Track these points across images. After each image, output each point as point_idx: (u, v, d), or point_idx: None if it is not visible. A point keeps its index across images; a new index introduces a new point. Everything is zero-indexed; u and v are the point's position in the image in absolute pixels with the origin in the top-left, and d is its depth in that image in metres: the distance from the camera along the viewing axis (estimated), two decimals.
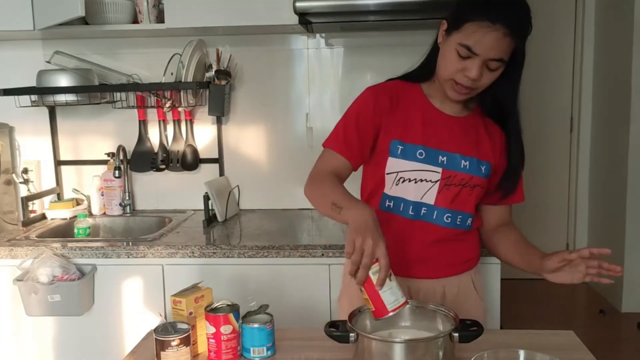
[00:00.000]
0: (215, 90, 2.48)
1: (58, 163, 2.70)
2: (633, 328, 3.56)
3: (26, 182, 2.57)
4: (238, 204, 2.65)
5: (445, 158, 1.45)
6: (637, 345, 3.39)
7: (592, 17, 4.11)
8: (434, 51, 1.46)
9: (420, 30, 2.33)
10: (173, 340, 1.24)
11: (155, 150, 2.64)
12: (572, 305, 4.06)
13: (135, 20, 2.41)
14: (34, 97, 2.40)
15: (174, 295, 1.37)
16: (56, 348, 2.17)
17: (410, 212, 1.47)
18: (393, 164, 1.46)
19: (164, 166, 2.63)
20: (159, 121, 2.62)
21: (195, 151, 2.64)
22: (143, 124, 2.63)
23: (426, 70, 1.50)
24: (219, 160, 2.66)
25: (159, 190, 2.69)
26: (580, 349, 1.35)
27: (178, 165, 2.61)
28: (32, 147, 2.68)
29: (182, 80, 2.39)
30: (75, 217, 2.51)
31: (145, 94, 2.53)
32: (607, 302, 3.91)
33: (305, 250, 2.05)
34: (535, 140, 4.17)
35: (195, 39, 2.46)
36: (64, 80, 2.34)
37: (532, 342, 1.31)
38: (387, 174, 1.47)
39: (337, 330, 1.22)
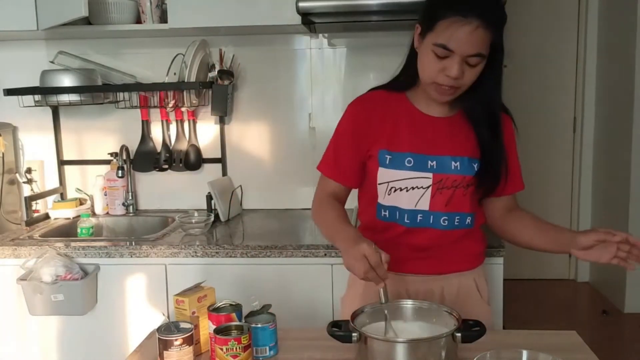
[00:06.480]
0: (218, 90, 2.48)
1: (61, 163, 2.71)
2: (636, 328, 3.56)
3: (29, 181, 2.58)
4: (241, 204, 2.65)
5: (434, 162, 1.44)
6: None
7: (595, 18, 4.10)
8: (412, 56, 1.44)
9: None
10: (176, 339, 1.24)
11: (158, 150, 2.64)
12: (575, 306, 4.05)
13: (138, 21, 2.41)
14: (37, 97, 2.41)
15: (177, 294, 1.37)
16: (59, 347, 2.18)
17: (406, 220, 1.47)
18: (383, 174, 1.46)
19: (166, 166, 2.63)
20: (162, 121, 2.62)
21: (198, 151, 2.64)
22: (146, 123, 2.63)
23: (408, 77, 1.48)
24: (221, 160, 2.66)
25: (162, 190, 2.70)
26: (583, 349, 1.35)
27: (181, 165, 2.62)
28: (36, 146, 2.69)
29: (185, 80, 2.40)
30: (78, 216, 2.52)
31: (149, 94, 2.53)
32: (610, 303, 3.90)
33: (308, 250, 2.05)
34: (538, 141, 4.15)
35: (198, 39, 2.46)
36: (67, 80, 2.35)
37: (534, 342, 1.31)
38: (379, 184, 1.47)
39: (340, 330, 1.22)
